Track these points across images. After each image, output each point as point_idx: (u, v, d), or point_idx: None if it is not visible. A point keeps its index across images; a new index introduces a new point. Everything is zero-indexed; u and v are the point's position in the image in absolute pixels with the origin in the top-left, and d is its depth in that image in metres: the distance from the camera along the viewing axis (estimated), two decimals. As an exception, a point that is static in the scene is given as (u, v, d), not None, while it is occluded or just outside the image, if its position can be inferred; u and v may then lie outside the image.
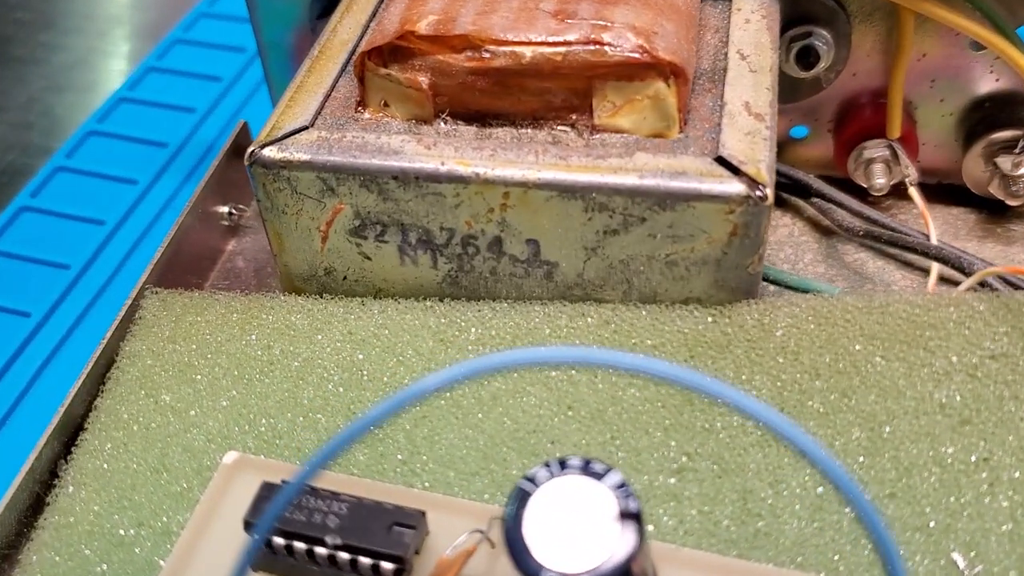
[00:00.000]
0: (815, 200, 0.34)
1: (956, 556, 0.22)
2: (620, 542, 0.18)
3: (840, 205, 0.33)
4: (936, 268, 0.31)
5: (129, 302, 0.30)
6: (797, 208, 0.35)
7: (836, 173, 0.35)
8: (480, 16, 0.26)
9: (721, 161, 0.25)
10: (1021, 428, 0.24)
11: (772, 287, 0.31)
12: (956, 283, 0.32)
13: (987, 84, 0.33)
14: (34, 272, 0.37)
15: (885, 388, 0.25)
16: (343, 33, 0.30)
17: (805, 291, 0.30)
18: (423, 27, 0.26)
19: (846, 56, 0.32)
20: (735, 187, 0.24)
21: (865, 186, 0.33)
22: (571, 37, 0.25)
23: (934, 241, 0.31)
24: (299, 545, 0.21)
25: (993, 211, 0.34)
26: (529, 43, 0.25)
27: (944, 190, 0.35)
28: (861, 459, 0.24)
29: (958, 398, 0.24)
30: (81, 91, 0.50)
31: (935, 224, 0.33)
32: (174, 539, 0.24)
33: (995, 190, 0.33)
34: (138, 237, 0.38)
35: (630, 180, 0.25)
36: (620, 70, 0.25)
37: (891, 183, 0.33)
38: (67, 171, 0.42)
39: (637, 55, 0.25)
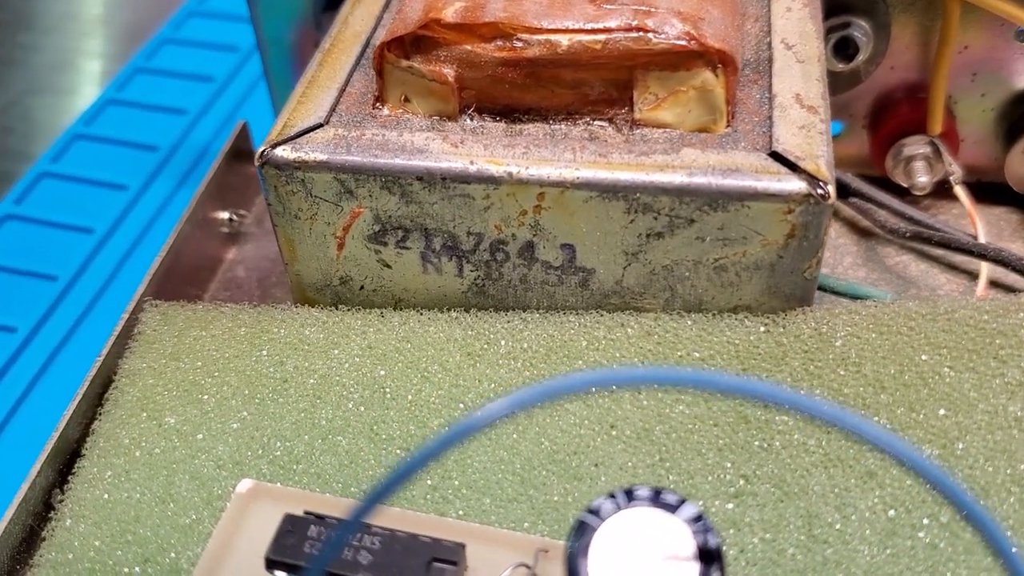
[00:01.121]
0: (853, 200, 0.32)
1: (1043, 584, 0.20)
2: (700, 581, 0.16)
3: (881, 205, 0.31)
4: (986, 271, 0.29)
5: (127, 315, 0.27)
6: (834, 208, 0.33)
7: (871, 171, 0.33)
8: (511, 2, 0.24)
9: (777, 156, 0.23)
10: (1104, 443, 0.22)
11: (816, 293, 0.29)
12: (1005, 287, 0.30)
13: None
14: (19, 284, 0.35)
15: (955, 401, 0.23)
16: (355, 24, 0.28)
17: (854, 297, 0.28)
18: (449, 14, 0.24)
19: (885, 48, 0.31)
20: (795, 184, 0.22)
21: (906, 185, 0.32)
22: (612, 23, 0.23)
23: (980, 231, 0.30)
24: (329, 586, 0.19)
25: (1036, 210, 0.33)
26: (566, 30, 0.23)
27: (984, 189, 0.33)
28: (934, 479, 0.22)
29: (1034, 411, 0.22)
30: (63, 94, 0.48)
31: (984, 225, 0.31)
32: (184, 577, 0.22)
33: (1041, 190, 0.31)
34: (130, 246, 0.36)
35: (678, 178, 0.23)
36: (665, 59, 0.23)
37: (933, 181, 0.31)
38: (53, 176, 0.40)
39: (684, 42, 0.23)
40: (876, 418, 0.23)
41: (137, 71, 0.45)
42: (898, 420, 0.23)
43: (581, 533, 0.17)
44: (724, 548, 0.21)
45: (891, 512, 0.21)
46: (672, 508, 0.17)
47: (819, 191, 0.22)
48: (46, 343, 0.33)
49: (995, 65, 0.31)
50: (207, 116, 0.42)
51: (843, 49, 0.30)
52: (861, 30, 0.30)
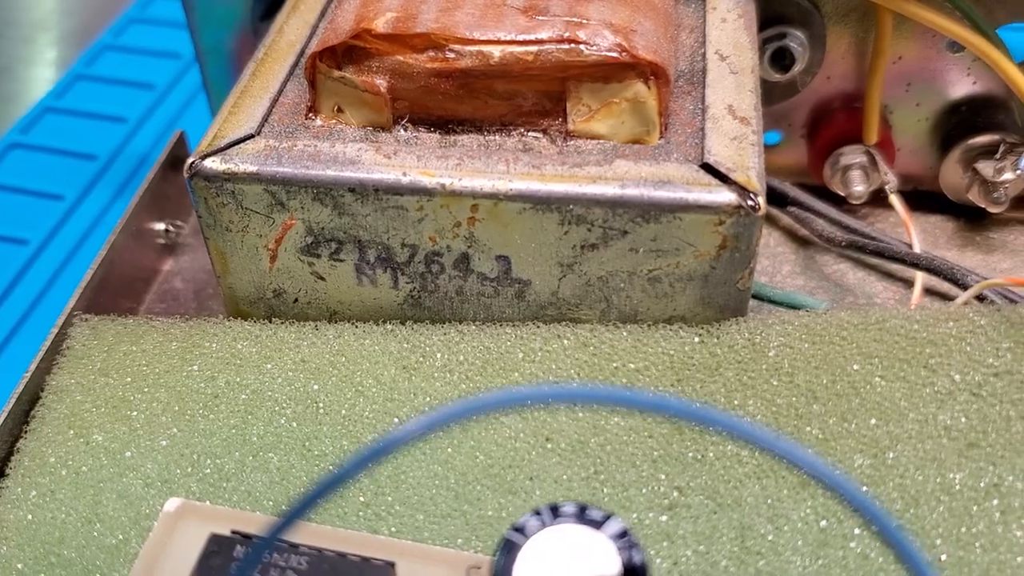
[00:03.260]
0: (792, 209, 0.32)
1: (971, 592, 0.20)
2: (624, 599, 0.16)
3: (819, 214, 0.31)
4: (921, 279, 0.30)
5: (56, 330, 0.27)
6: (772, 217, 0.33)
7: (809, 180, 0.33)
8: (443, 13, 0.24)
9: (708, 168, 0.23)
10: (1031, 450, 0.22)
11: (752, 302, 0.29)
12: (940, 294, 0.30)
13: (964, 87, 0.32)
14: (-51, 297, 0.34)
15: (886, 410, 0.23)
16: (290, 34, 0.28)
17: (789, 306, 0.28)
18: (381, 25, 0.23)
19: (821, 58, 0.31)
20: (725, 196, 0.22)
21: (843, 194, 0.32)
22: (543, 35, 0.23)
23: (917, 251, 0.30)
24: (253, 608, 0.19)
25: (971, 218, 0.33)
26: (498, 42, 0.23)
27: (919, 197, 0.33)
28: (865, 488, 0.22)
29: (963, 420, 0.23)
30: (3, 101, 0.47)
31: (919, 233, 0.32)
32: (109, 600, 0.21)
33: (975, 197, 0.31)
34: (65, 258, 0.35)
35: (611, 190, 0.23)
36: (597, 71, 0.23)
37: (870, 190, 0.31)
38: (-14, 187, 0.39)
39: (615, 54, 0.23)
40: (808, 428, 0.23)
41: (77, 78, 0.44)
42: (830, 430, 0.23)
43: (507, 551, 0.17)
44: (657, 561, 0.21)
45: (823, 522, 0.21)
46: (597, 524, 0.17)
47: (749, 202, 0.22)
48: (-24, 358, 0.32)
49: (928, 75, 0.31)
50: (147, 124, 0.41)
51: (779, 59, 0.30)
52: (797, 40, 0.30)
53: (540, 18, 0.23)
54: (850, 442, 0.23)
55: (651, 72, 0.23)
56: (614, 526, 0.17)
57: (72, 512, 0.23)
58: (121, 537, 0.22)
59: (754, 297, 0.29)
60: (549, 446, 0.23)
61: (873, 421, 0.23)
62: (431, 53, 0.23)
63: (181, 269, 0.33)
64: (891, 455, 0.22)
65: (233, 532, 0.20)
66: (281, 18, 0.29)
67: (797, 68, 0.31)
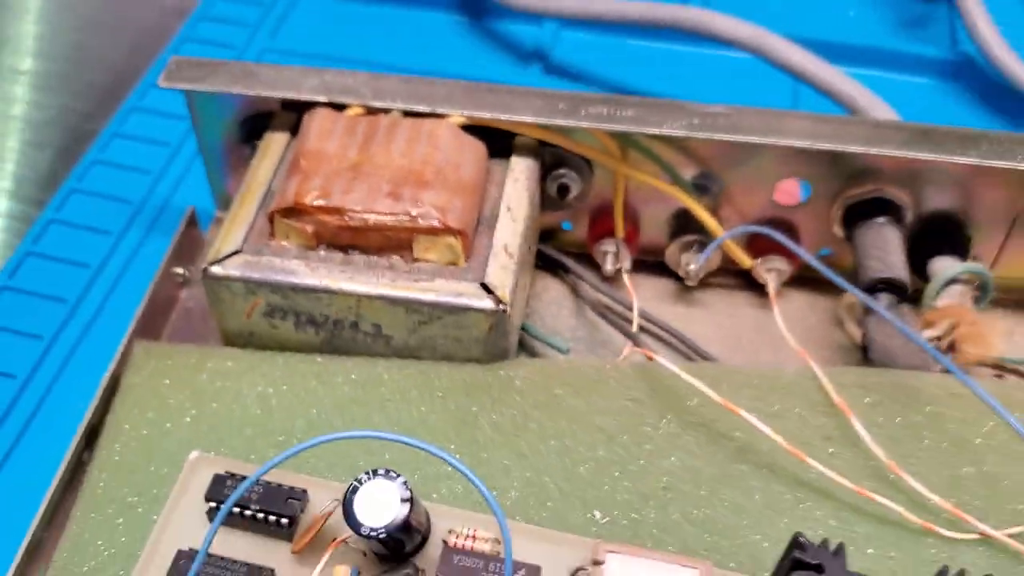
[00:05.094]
0: (569, 276, 0.52)
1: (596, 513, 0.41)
2: (400, 511, 0.36)
3: (583, 280, 0.51)
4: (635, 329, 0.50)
5: (119, 355, 0.46)
6: (561, 279, 0.53)
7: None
8: (343, 194, 0.43)
9: (483, 286, 0.43)
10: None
11: (532, 340, 0.49)
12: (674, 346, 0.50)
13: (680, 204, 0.51)
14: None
15: (575, 415, 0.43)
16: (260, 175, 0.47)
17: (551, 345, 0.48)
18: (308, 200, 0.43)
19: (589, 188, 0.50)
20: (488, 303, 0.42)
21: (602, 269, 0.52)
22: (397, 210, 0.42)
23: (635, 308, 0.50)
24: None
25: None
26: (373, 212, 0.43)
27: (662, 265, 0.53)
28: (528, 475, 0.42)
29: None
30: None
31: (651, 291, 0.52)
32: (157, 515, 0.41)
33: (681, 274, 0.51)
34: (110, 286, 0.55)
35: (429, 297, 0.42)
36: (428, 231, 0.43)
37: (615, 268, 0.51)
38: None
39: (437, 224, 0.42)
40: (527, 425, 0.43)
41: (114, 136, 0.63)
42: (534, 433, 0.43)
43: (352, 490, 0.37)
44: (443, 491, 0.41)
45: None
46: (393, 478, 0.37)
47: (501, 307, 0.42)
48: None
49: (659, 196, 0.51)
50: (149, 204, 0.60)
51: (563, 190, 0.50)
52: (573, 179, 0.49)
53: (395, 201, 0.43)
54: (537, 434, 0.43)
55: (458, 232, 0.43)
56: (400, 479, 0.37)
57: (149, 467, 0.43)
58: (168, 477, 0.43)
59: (532, 336, 0.49)
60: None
61: (563, 422, 0.43)
62: (336, 217, 0.43)
63: (193, 297, 0.53)
64: (552, 443, 0.43)
65: (227, 472, 0.40)
66: (255, 161, 0.47)
67: (572, 195, 0.50)
